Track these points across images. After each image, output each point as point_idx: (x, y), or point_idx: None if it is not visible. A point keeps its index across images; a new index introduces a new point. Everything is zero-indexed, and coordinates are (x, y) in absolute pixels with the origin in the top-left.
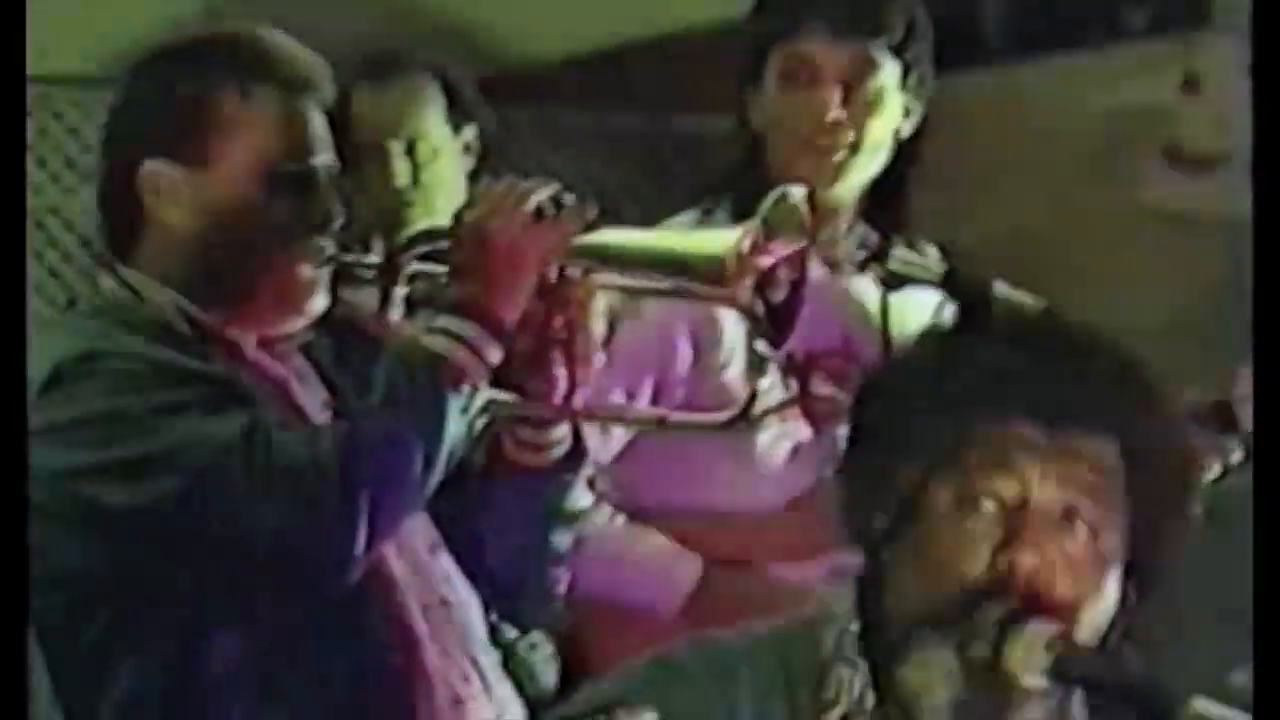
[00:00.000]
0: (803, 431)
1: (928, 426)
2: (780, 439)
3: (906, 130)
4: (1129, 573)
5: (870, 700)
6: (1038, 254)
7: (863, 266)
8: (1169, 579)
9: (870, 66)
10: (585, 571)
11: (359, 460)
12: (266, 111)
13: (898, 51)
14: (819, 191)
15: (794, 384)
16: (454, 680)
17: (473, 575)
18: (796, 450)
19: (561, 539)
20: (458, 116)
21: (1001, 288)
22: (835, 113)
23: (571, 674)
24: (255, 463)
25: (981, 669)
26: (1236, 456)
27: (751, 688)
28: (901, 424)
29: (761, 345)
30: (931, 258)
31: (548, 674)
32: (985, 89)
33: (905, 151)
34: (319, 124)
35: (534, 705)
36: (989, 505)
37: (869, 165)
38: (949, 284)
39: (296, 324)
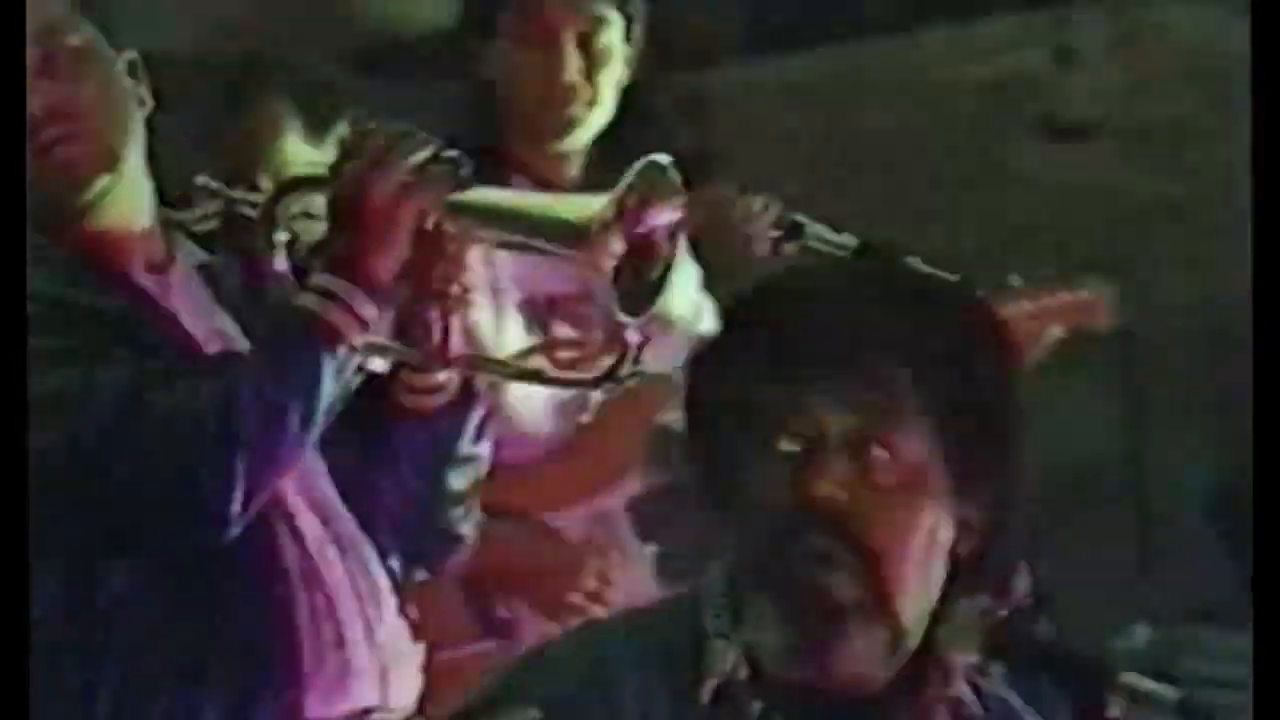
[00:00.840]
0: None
1: (736, 387)
2: (533, 392)
3: (626, 80)
4: (989, 528)
5: (745, 671)
6: (913, 221)
7: (777, 244)
8: (1021, 532)
9: (602, 24)
10: None
11: (234, 422)
12: None
13: (621, 5)
14: (550, 144)
15: (537, 329)
16: (341, 619)
17: (371, 517)
18: (551, 400)
19: (457, 480)
20: (319, 127)
21: (913, 263)
22: (572, 75)
23: None
24: (133, 424)
25: (803, 608)
26: (1057, 334)
27: (630, 671)
28: (715, 389)
29: (620, 314)
30: (844, 235)
31: None
32: (860, 61)
33: (629, 101)
34: None
35: None
36: (787, 446)
37: (599, 118)
38: (861, 259)
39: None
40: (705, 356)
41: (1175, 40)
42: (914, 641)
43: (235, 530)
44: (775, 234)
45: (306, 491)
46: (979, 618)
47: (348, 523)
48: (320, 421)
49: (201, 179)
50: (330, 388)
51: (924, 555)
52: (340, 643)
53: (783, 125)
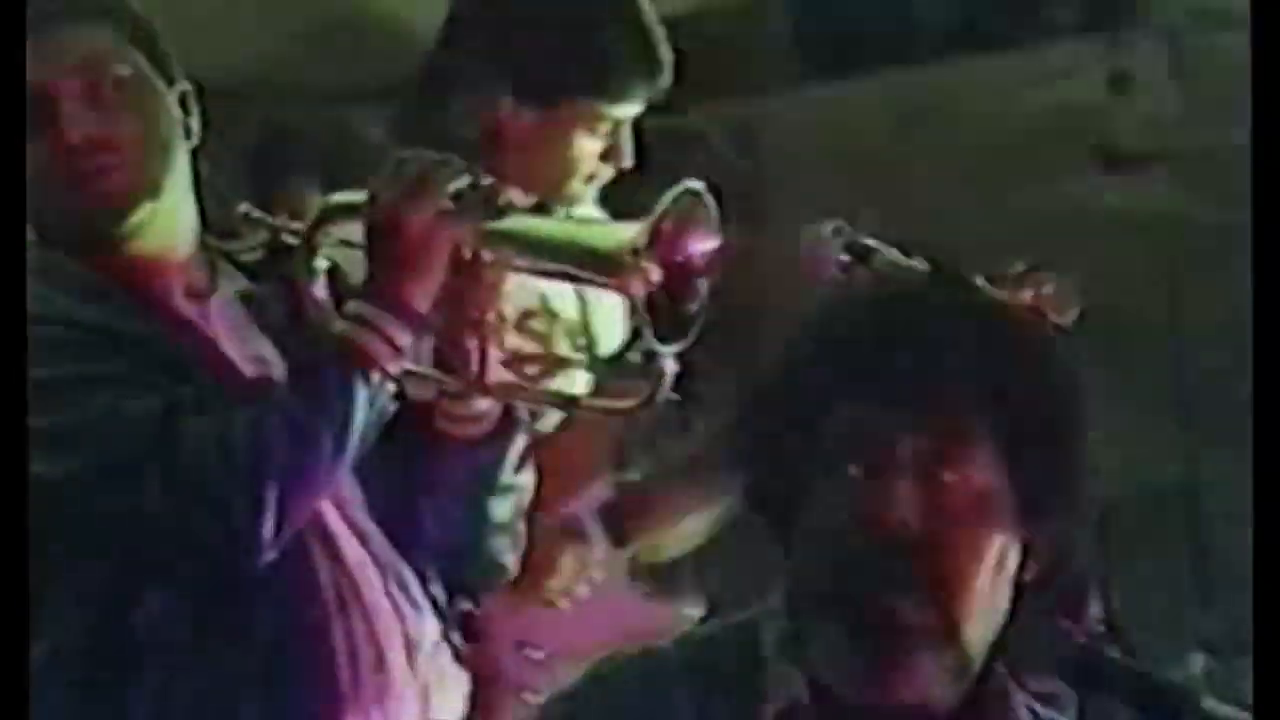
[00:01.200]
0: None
1: (803, 411)
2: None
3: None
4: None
5: (807, 696)
6: (969, 251)
7: (847, 268)
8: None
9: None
10: None
11: (266, 449)
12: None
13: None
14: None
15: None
16: (381, 641)
17: (414, 546)
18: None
19: (500, 509)
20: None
21: (985, 287)
22: (581, 175)
23: None
24: (165, 451)
25: (871, 632)
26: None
27: (689, 694)
28: (781, 414)
29: (654, 343)
30: (915, 259)
31: None
32: (913, 89)
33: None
34: None
35: None
36: (855, 469)
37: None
38: (932, 284)
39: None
40: (770, 381)
41: (1232, 66)
42: (978, 666)
43: (267, 557)
44: (845, 259)
45: (345, 516)
46: (1055, 642)
47: (388, 547)
48: (353, 449)
49: (244, 207)
50: (363, 415)
51: (992, 581)
52: (380, 665)
53: (834, 153)
